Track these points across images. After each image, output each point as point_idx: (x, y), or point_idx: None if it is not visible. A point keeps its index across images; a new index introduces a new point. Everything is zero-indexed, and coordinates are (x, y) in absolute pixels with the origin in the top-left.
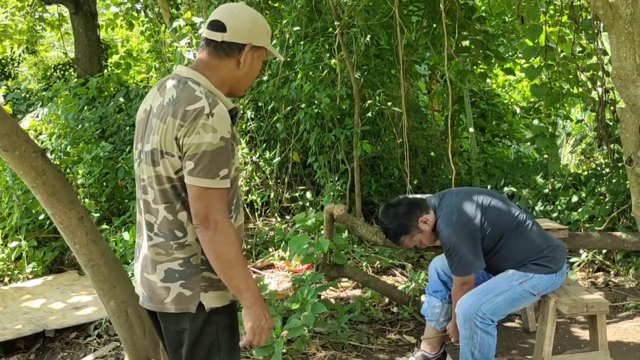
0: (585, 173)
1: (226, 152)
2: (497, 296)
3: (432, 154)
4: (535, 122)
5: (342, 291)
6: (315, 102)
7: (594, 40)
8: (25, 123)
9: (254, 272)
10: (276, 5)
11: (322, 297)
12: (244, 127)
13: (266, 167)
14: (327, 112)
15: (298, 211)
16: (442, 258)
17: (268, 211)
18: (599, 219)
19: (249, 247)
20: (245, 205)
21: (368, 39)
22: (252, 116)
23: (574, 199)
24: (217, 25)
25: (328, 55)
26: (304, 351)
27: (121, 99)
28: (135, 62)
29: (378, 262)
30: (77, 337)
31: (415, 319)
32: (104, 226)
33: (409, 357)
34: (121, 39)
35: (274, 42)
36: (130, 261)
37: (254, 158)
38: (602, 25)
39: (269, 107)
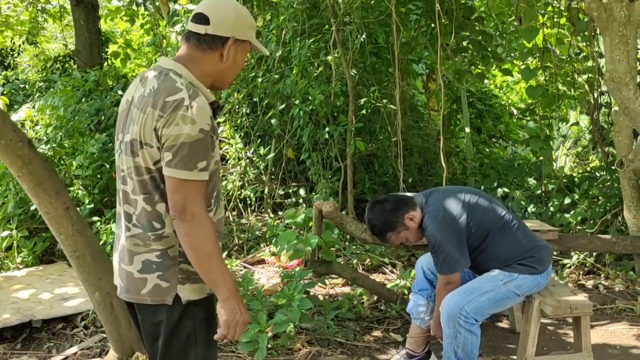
0: (580, 175)
1: (205, 144)
2: (482, 296)
3: (427, 153)
4: (531, 123)
5: (331, 288)
6: (310, 98)
7: (590, 42)
8: (22, 113)
9: (245, 267)
10: (274, 0)
11: (310, 293)
12: (239, 122)
13: (260, 162)
14: (321, 109)
15: (291, 207)
16: (428, 256)
17: (261, 207)
18: (591, 222)
19: (240, 242)
20: (238, 201)
21: (365, 36)
22: (247, 111)
23: (567, 201)
24: (201, 18)
25: (324, 52)
26: (289, 347)
27: (120, 92)
28: (134, 54)
29: (369, 259)
30: (64, 328)
31: (403, 317)
32: (96, 218)
33: (394, 355)
34: (121, 31)
35: (271, 37)
36: None
37: (248, 153)
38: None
39: (264, 103)
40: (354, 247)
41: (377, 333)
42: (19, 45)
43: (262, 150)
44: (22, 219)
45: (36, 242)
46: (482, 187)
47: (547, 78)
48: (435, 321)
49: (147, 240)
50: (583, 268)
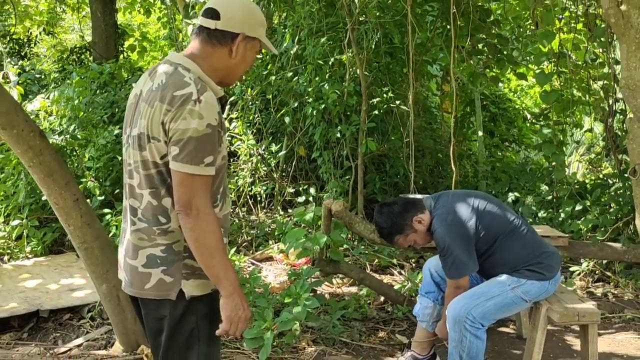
0: (592, 182)
1: (212, 139)
2: (488, 300)
3: (439, 155)
4: (544, 129)
5: (338, 287)
6: (323, 97)
7: (607, 49)
8: (36, 103)
9: (253, 264)
10: None
11: (317, 292)
12: (251, 118)
13: (271, 159)
14: (334, 108)
15: (301, 205)
16: (436, 259)
17: (271, 204)
18: (602, 229)
19: (249, 238)
20: (248, 197)
21: (380, 36)
22: (260, 108)
23: (578, 207)
24: (212, 13)
25: (338, 50)
26: (295, 345)
27: (134, 85)
28: (150, 47)
29: (377, 260)
30: (71, 319)
31: (409, 319)
32: (106, 210)
33: (399, 357)
34: (138, 25)
35: (286, 34)
36: None
37: (259, 150)
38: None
39: (277, 100)
40: (362, 247)
41: (383, 334)
42: (36, 36)
43: (273, 148)
44: (32, 208)
45: (46, 233)
46: (493, 191)
47: (562, 83)
48: (444, 324)
49: (152, 234)
50: (593, 275)
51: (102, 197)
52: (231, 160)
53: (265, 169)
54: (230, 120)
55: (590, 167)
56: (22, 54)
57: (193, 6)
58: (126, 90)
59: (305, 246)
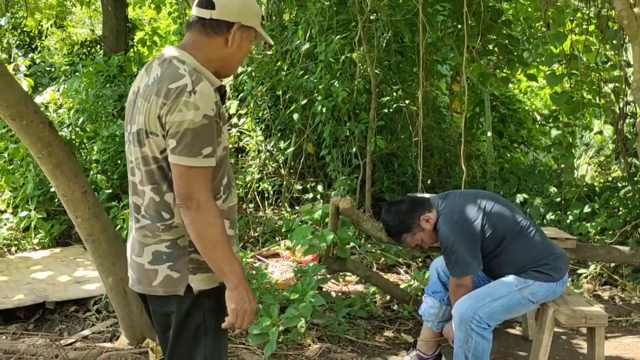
0: (601, 185)
1: (209, 130)
2: (495, 301)
3: (448, 155)
4: (554, 130)
5: (344, 285)
6: (333, 94)
7: (619, 51)
8: (46, 95)
9: (259, 260)
10: None
11: (323, 289)
12: (260, 114)
13: (280, 156)
14: (344, 106)
15: (308, 202)
16: (443, 259)
17: (279, 200)
18: (611, 232)
19: (256, 234)
20: (256, 193)
21: (390, 34)
22: (270, 104)
23: (587, 210)
24: (206, 2)
25: (349, 48)
26: (300, 342)
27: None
28: (161, 42)
29: (383, 258)
30: (77, 311)
31: (415, 318)
32: (114, 203)
33: (405, 357)
34: (148, 19)
35: (297, 31)
36: None
37: (268, 146)
38: (627, 37)
39: (287, 97)
40: (369, 245)
41: (389, 333)
42: (47, 29)
43: (282, 144)
44: (41, 200)
45: (54, 224)
46: (502, 192)
47: (572, 85)
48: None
49: (156, 231)
50: (600, 278)
51: (110, 190)
52: (239, 156)
53: (273, 165)
54: (240, 116)
55: (600, 169)
56: (33, 46)
57: None
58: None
59: (312, 243)
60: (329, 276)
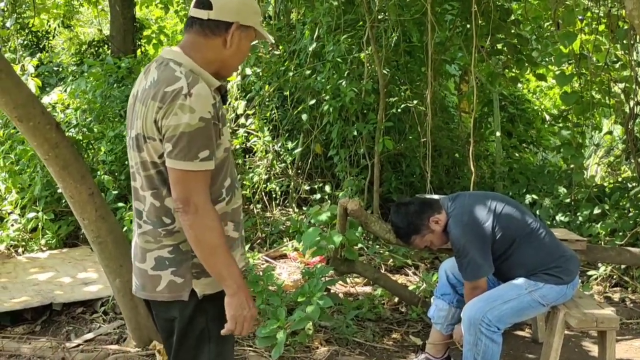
0: (611, 185)
1: (206, 132)
2: (505, 304)
3: (456, 155)
4: (563, 130)
5: (352, 287)
6: (341, 95)
7: (629, 51)
8: (53, 96)
9: (267, 261)
10: None
11: (331, 291)
12: (268, 115)
13: (287, 156)
14: (352, 106)
15: (316, 203)
16: (452, 260)
17: (286, 201)
18: (621, 233)
19: (263, 235)
20: (263, 194)
21: (399, 34)
22: (277, 105)
23: (597, 211)
24: (203, 2)
25: (357, 48)
26: (307, 344)
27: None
28: (168, 41)
29: (392, 260)
30: (84, 313)
31: (423, 321)
32: (120, 204)
33: (413, 359)
34: (155, 19)
35: (305, 31)
36: None
37: (275, 147)
38: (638, 36)
39: (294, 97)
40: (378, 246)
41: (397, 335)
42: (55, 29)
43: (289, 145)
44: (48, 201)
45: (61, 225)
46: (511, 193)
47: (582, 85)
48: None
49: (157, 236)
50: (610, 280)
51: (117, 191)
52: (247, 156)
53: (280, 165)
54: (247, 117)
55: (609, 170)
56: (41, 46)
57: None
58: None
59: (320, 245)
60: (336, 278)
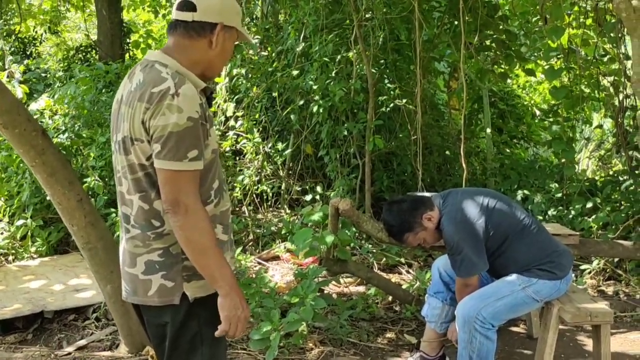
0: (602, 179)
1: (194, 132)
2: (499, 300)
3: (447, 152)
4: (553, 125)
5: (345, 287)
6: (330, 94)
7: (617, 44)
8: (41, 102)
9: (259, 263)
10: None
11: (324, 292)
12: (257, 116)
13: (278, 157)
14: (341, 106)
15: (307, 204)
16: (445, 258)
17: (278, 202)
18: (613, 227)
19: (255, 237)
20: (254, 195)
21: (386, 33)
22: (266, 106)
23: (589, 205)
24: (187, 5)
25: (345, 47)
26: (301, 346)
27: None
28: (156, 45)
29: (384, 259)
30: (76, 320)
31: (417, 319)
32: (111, 209)
33: (408, 358)
34: (142, 22)
35: (291, 31)
36: None
37: (265, 148)
38: (626, 29)
39: (283, 98)
40: (370, 245)
41: (391, 334)
42: (41, 34)
43: (279, 146)
44: (37, 208)
45: (51, 232)
46: (502, 189)
47: (571, 79)
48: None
49: (147, 240)
50: (603, 274)
51: (107, 197)
52: (237, 158)
53: (271, 167)
54: (236, 119)
55: (600, 164)
56: (28, 52)
57: None
58: None
59: (312, 245)
60: (329, 278)
